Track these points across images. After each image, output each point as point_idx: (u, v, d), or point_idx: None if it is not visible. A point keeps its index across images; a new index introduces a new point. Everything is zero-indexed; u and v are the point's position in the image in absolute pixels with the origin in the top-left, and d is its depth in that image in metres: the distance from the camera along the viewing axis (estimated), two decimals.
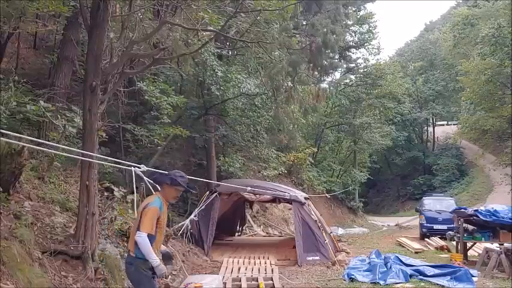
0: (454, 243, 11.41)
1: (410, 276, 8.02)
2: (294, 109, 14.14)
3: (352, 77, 31.23)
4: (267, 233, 16.00)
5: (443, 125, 49.13)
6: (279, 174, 18.61)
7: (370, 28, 30.37)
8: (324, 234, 10.03)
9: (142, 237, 3.62)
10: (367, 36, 30.12)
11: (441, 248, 12.45)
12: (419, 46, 52.58)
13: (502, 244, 9.02)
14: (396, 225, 23.13)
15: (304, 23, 15.35)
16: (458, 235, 10.50)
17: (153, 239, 3.73)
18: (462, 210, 10.55)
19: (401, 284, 7.59)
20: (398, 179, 43.56)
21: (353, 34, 29.61)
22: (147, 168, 3.58)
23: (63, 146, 4.73)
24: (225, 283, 7.14)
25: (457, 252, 10.74)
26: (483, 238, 9.97)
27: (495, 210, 9.53)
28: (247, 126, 13.89)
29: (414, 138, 45.32)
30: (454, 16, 42.12)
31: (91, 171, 5.47)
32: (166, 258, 4.14)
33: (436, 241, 13.36)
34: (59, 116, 7.29)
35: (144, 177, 3.63)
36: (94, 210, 5.46)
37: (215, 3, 8.07)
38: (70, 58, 8.82)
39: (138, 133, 9.71)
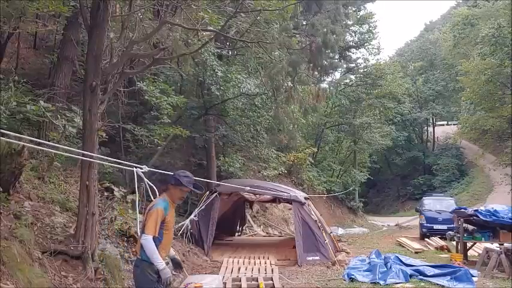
0: (454, 243, 11.41)
1: (410, 276, 8.02)
2: (294, 109, 14.14)
3: (352, 77, 31.23)
4: (267, 233, 16.00)
5: (443, 125, 49.14)
6: (279, 174, 18.61)
7: (370, 28, 30.37)
8: (324, 234, 10.03)
9: (147, 240, 3.57)
10: (367, 36, 30.12)
11: (441, 248, 12.45)
12: (419, 46, 52.57)
13: (502, 244, 9.02)
14: (396, 225, 23.14)
15: (304, 23, 15.35)
16: (458, 235, 10.50)
17: (159, 241, 3.66)
18: (462, 210, 10.55)
19: (401, 284, 7.59)
20: (398, 179, 43.56)
21: (353, 34, 29.61)
22: (149, 168, 3.56)
23: (63, 146, 4.73)
24: (225, 283, 7.14)
25: (457, 252, 10.73)
26: (483, 238, 9.97)
27: (495, 210, 9.53)
28: (247, 126, 13.89)
29: (414, 138, 45.32)
30: (454, 16, 42.12)
31: (91, 171, 5.47)
32: (176, 265, 4.04)
33: (436, 241, 13.36)
34: (59, 116, 7.29)
35: (145, 178, 3.61)
36: (94, 210, 5.46)
37: (215, 3, 8.07)
38: (70, 58, 8.83)
39: (138, 133, 9.71)
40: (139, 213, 7.57)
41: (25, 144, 4.60)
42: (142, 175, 3.57)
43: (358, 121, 28.99)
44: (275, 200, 12.06)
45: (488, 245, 9.64)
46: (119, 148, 10.05)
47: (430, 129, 46.59)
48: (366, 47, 30.25)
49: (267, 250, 10.53)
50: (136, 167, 3.49)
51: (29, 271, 4.31)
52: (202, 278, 5.99)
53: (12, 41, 9.52)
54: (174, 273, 3.88)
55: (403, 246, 13.06)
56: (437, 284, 7.60)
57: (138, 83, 9.49)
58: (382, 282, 7.62)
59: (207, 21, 7.38)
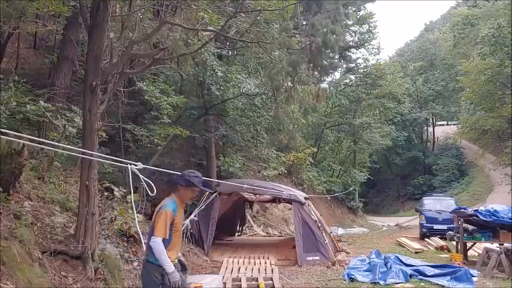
0: (454, 243, 11.41)
1: (410, 276, 8.02)
2: (294, 109, 14.14)
3: (352, 77, 31.23)
4: (267, 233, 16.00)
5: (443, 125, 49.16)
6: (279, 174, 18.60)
7: (370, 28, 30.37)
8: (324, 234, 10.03)
9: (156, 242, 3.53)
10: (367, 36, 30.12)
11: (441, 248, 12.45)
12: (419, 46, 52.59)
13: (502, 244, 9.02)
14: (396, 225, 23.14)
15: (304, 23, 15.35)
16: (458, 235, 10.50)
17: (168, 242, 3.63)
18: (462, 210, 10.55)
19: (401, 284, 7.59)
20: (398, 179, 43.58)
21: (353, 34, 29.62)
22: (143, 166, 3.53)
23: (63, 145, 4.73)
24: (225, 283, 7.14)
25: (457, 252, 10.74)
26: (483, 238, 9.97)
27: (495, 210, 9.53)
28: (247, 126, 13.89)
29: (414, 138, 45.33)
30: (454, 16, 42.13)
31: (91, 171, 5.47)
32: (181, 267, 3.99)
33: (436, 241, 13.36)
34: (59, 116, 7.29)
35: (141, 176, 3.58)
36: (94, 210, 5.46)
37: (215, 3, 8.07)
38: (70, 58, 8.82)
39: (138, 133, 9.71)
40: (138, 213, 7.57)
41: (25, 142, 4.59)
42: (137, 172, 3.54)
43: (358, 121, 28.99)
44: (275, 200, 12.07)
45: (488, 245, 9.64)
46: (119, 148, 10.05)
47: (430, 129, 46.61)
48: (366, 47, 30.28)
49: (267, 250, 10.53)
50: (130, 164, 3.47)
51: (29, 271, 4.31)
52: (202, 278, 6.01)
53: (12, 41, 9.52)
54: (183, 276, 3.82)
55: (403, 246, 13.07)
56: (437, 284, 7.60)
57: (138, 83, 9.49)
58: (382, 282, 7.62)
59: (207, 21, 7.38)
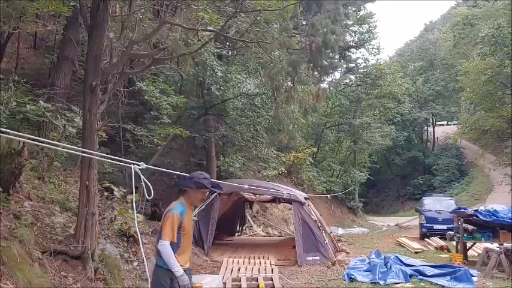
0: (454, 243, 11.41)
1: (410, 276, 8.02)
2: (294, 109, 14.14)
3: (352, 77, 31.23)
4: (267, 233, 16.00)
5: (443, 125, 49.15)
6: (279, 174, 18.60)
7: (370, 28, 30.36)
8: (323, 234, 10.03)
9: (164, 246, 3.48)
10: (367, 36, 30.12)
11: (441, 248, 12.45)
12: (419, 46, 52.60)
13: (502, 244, 9.03)
14: (396, 225, 23.14)
15: (304, 23, 15.35)
16: (458, 235, 10.50)
17: (177, 246, 3.57)
18: (462, 210, 10.55)
19: (401, 284, 7.59)
20: (398, 179, 43.58)
21: (353, 34, 29.61)
22: (146, 165, 3.53)
23: (63, 144, 4.73)
24: (225, 283, 7.14)
25: (457, 252, 10.74)
26: (483, 238, 9.97)
27: (495, 210, 9.54)
28: (247, 126, 13.89)
29: (414, 138, 45.34)
30: (454, 16, 42.11)
31: (91, 171, 5.47)
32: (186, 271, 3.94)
33: (436, 241, 13.36)
34: (59, 116, 7.29)
35: (142, 176, 3.57)
36: (94, 210, 5.46)
37: (215, 3, 8.07)
38: (70, 58, 8.82)
39: (138, 133, 9.71)
40: (138, 213, 7.57)
41: (25, 141, 4.59)
42: (140, 172, 3.53)
43: (358, 121, 28.99)
44: (275, 200, 12.07)
45: (488, 245, 9.64)
46: (118, 148, 10.05)
47: (430, 129, 46.61)
48: (366, 47, 30.27)
49: (267, 250, 10.53)
50: (133, 164, 3.47)
51: (29, 271, 4.31)
52: (202, 278, 6.01)
53: (12, 41, 9.52)
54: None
55: (403, 246, 13.07)
56: (437, 284, 7.60)
57: (138, 83, 9.49)
58: (382, 282, 7.62)
59: (207, 21, 7.38)
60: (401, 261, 8.90)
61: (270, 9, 8.57)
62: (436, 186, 36.51)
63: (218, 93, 11.61)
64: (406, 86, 37.22)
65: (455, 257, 9.95)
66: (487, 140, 34.50)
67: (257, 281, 7.40)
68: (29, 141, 4.51)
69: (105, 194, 7.43)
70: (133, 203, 3.89)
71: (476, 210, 9.98)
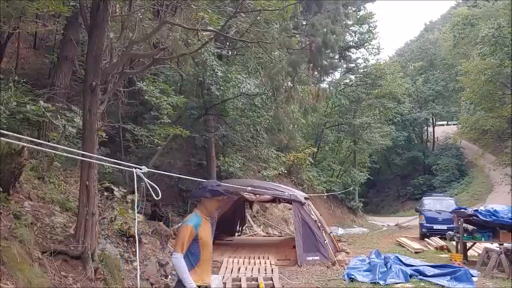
0: (454, 243, 11.41)
1: (410, 276, 8.02)
2: (294, 109, 14.15)
3: (352, 77, 31.23)
4: (267, 233, 16.00)
5: (443, 125, 49.14)
6: (279, 174, 18.60)
7: (370, 28, 30.35)
8: (323, 234, 10.03)
9: (176, 258, 3.40)
10: (367, 36, 30.11)
11: (441, 248, 12.45)
12: (419, 46, 52.58)
13: (502, 244, 9.03)
14: (396, 225, 23.13)
15: (304, 23, 15.35)
16: (458, 235, 10.50)
17: (197, 259, 3.50)
18: (462, 210, 10.56)
19: (401, 284, 7.59)
20: (398, 179, 43.57)
21: (353, 34, 29.61)
22: (148, 169, 3.52)
23: (63, 147, 4.73)
24: (225, 283, 7.14)
25: (457, 252, 10.74)
26: (483, 238, 9.97)
27: (495, 210, 9.54)
28: (247, 126, 13.90)
29: (414, 138, 45.33)
30: (454, 16, 42.11)
31: (91, 171, 5.46)
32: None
33: (436, 241, 13.36)
34: (59, 116, 7.29)
35: (145, 179, 3.56)
36: (94, 210, 5.45)
37: (215, 3, 8.07)
38: (70, 58, 8.82)
39: (138, 133, 9.71)
40: (138, 213, 7.56)
41: (24, 144, 4.59)
42: (142, 175, 3.53)
43: (358, 121, 28.98)
44: (275, 200, 12.06)
45: (488, 245, 9.64)
46: (119, 148, 10.05)
47: (430, 129, 46.60)
48: (366, 47, 30.26)
49: (267, 250, 10.53)
50: (135, 168, 3.46)
51: (29, 271, 4.30)
52: None
53: (12, 41, 9.52)
54: None
55: (403, 246, 13.07)
56: (437, 284, 7.61)
57: (138, 83, 9.49)
58: (382, 282, 7.63)
59: (207, 21, 7.38)
60: (401, 261, 8.90)
61: (270, 9, 8.57)
62: (436, 186, 36.50)
63: (218, 93, 11.62)
64: (406, 86, 37.21)
65: (455, 257, 9.95)
66: (487, 140, 34.50)
67: (257, 281, 7.40)
68: (30, 145, 4.51)
69: (105, 194, 7.43)
70: (135, 207, 3.88)
71: (476, 210, 9.99)
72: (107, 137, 8.32)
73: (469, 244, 10.73)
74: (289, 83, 12.43)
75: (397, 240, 14.17)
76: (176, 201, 13.03)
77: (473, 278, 7.77)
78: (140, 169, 3.52)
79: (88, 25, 5.70)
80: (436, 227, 14.75)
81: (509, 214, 9.37)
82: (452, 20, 41.61)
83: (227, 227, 13.25)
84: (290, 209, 14.05)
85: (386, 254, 9.79)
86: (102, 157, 5.32)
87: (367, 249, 11.81)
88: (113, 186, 7.59)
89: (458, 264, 9.01)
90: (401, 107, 37.04)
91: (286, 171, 20.61)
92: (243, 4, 7.52)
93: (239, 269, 8.34)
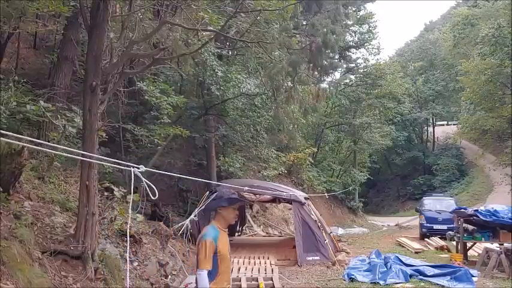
0: (454, 243, 11.41)
1: (410, 276, 8.02)
2: (294, 109, 14.14)
3: (352, 77, 31.22)
4: (267, 233, 15.99)
5: (443, 125, 49.15)
6: (279, 174, 18.60)
7: (370, 28, 30.34)
8: (324, 234, 10.03)
9: (200, 275, 3.36)
10: (367, 36, 30.10)
11: (441, 248, 12.45)
12: (419, 46, 52.59)
13: (502, 244, 9.03)
14: (396, 225, 23.13)
15: (304, 23, 15.34)
16: (458, 235, 10.50)
17: (216, 273, 3.46)
18: (462, 210, 10.56)
19: (401, 284, 7.59)
20: (398, 179, 43.57)
21: (353, 34, 29.59)
22: (146, 168, 3.51)
23: (63, 147, 4.72)
24: None
25: (457, 252, 10.74)
26: (483, 238, 9.97)
27: (495, 210, 9.54)
28: (247, 126, 13.89)
29: (414, 138, 45.33)
30: (454, 16, 42.12)
31: (91, 171, 5.46)
32: None
33: (436, 241, 13.36)
34: (59, 116, 7.29)
35: (143, 178, 3.55)
36: (94, 210, 5.46)
37: (215, 3, 8.07)
38: (70, 58, 8.82)
39: (138, 133, 9.71)
40: (138, 213, 7.56)
41: (24, 144, 4.59)
42: (140, 174, 3.51)
43: (358, 121, 28.98)
44: (275, 200, 12.06)
45: (488, 245, 9.64)
46: (119, 148, 10.05)
47: (430, 129, 46.60)
48: (366, 47, 30.25)
49: (267, 250, 10.53)
50: (133, 167, 3.44)
51: (29, 271, 4.30)
52: None
53: (12, 41, 9.53)
54: None
55: (403, 246, 13.07)
56: (437, 284, 7.60)
57: (138, 83, 9.49)
58: (382, 282, 7.62)
59: (207, 21, 7.38)
60: (401, 261, 8.90)
61: (270, 9, 8.57)
62: (436, 186, 36.50)
63: (218, 93, 11.61)
64: (406, 86, 37.21)
65: (455, 257, 9.95)
66: (487, 140, 34.52)
67: (257, 281, 7.39)
68: (30, 145, 4.51)
69: (105, 194, 7.43)
70: (130, 206, 3.87)
71: (477, 210, 9.99)
72: (107, 137, 8.32)
73: (469, 244, 10.73)
74: (289, 83, 12.43)
75: (397, 240, 14.17)
76: (176, 201, 13.04)
77: (473, 278, 7.77)
78: (138, 168, 3.50)
79: (88, 25, 5.70)
80: (436, 227, 14.75)
81: (509, 214, 9.37)
82: (452, 20, 41.62)
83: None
84: (290, 209, 14.05)
85: (386, 254, 9.79)
86: (100, 156, 5.31)
87: (367, 249, 11.81)
88: (113, 186, 7.59)
89: (459, 264, 9.01)
90: (402, 107, 37.04)
91: (286, 171, 20.61)
92: (243, 4, 7.52)
93: (239, 269, 8.34)
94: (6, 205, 5.06)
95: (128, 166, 3.39)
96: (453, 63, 39.47)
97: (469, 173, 37.85)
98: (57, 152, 5.11)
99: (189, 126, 11.58)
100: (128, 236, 4.18)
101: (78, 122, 7.13)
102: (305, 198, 10.82)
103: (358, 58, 30.34)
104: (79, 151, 5.55)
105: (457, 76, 34.91)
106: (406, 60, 50.11)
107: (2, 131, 2.75)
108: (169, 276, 6.96)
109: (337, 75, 29.65)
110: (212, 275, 3.44)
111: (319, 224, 10.24)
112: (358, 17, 28.95)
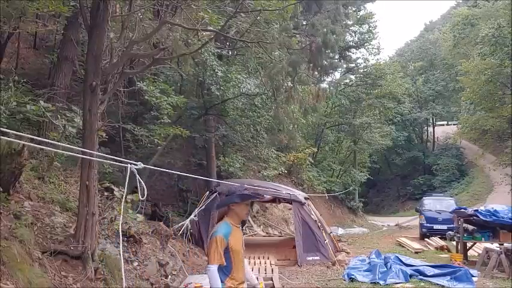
0: (454, 243, 11.41)
1: (410, 276, 8.02)
2: (294, 109, 14.14)
3: (352, 77, 31.21)
4: (267, 233, 15.99)
5: (443, 125, 49.17)
6: (279, 174, 18.59)
7: (370, 28, 30.34)
8: (324, 234, 10.03)
9: (210, 271, 3.39)
10: (367, 36, 30.10)
11: (441, 248, 12.45)
12: (419, 46, 52.60)
13: (502, 244, 9.03)
14: (396, 225, 23.14)
15: (304, 23, 15.33)
16: (458, 235, 10.51)
17: (229, 269, 3.48)
18: (462, 210, 10.56)
19: (401, 284, 7.59)
20: (398, 179, 43.57)
21: (353, 34, 29.58)
22: (144, 165, 3.50)
23: (63, 145, 4.73)
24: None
25: (457, 252, 10.74)
26: (483, 238, 9.98)
27: (495, 210, 9.54)
28: (247, 126, 13.89)
29: (414, 138, 45.34)
30: (454, 16, 42.14)
31: (91, 171, 5.46)
32: None
33: (436, 241, 13.36)
34: (59, 116, 7.29)
35: (137, 176, 3.52)
36: (94, 210, 5.45)
37: (215, 3, 8.07)
38: (70, 58, 8.82)
39: (138, 133, 9.71)
40: (138, 213, 7.55)
41: (25, 143, 4.59)
42: (135, 171, 3.49)
43: (358, 121, 28.98)
44: (275, 200, 12.06)
45: (488, 245, 9.65)
46: (119, 148, 10.05)
47: (430, 129, 46.62)
48: (366, 47, 30.24)
49: (267, 250, 10.52)
50: (130, 164, 3.43)
51: (29, 271, 4.30)
52: (203, 278, 6.00)
53: (12, 41, 9.53)
54: None
55: (403, 246, 13.07)
56: (437, 284, 7.61)
57: (138, 83, 9.49)
58: (382, 282, 7.63)
59: (207, 21, 7.37)
60: (401, 261, 8.90)
61: (270, 9, 8.57)
62: (436, 186, 36.51)
63: (218, 93, 11.61)
64: (406, 86, 37.22)
65: (455, 257, 9.95)
66: (487, 140, 34.52)
67: (257, 280, 7.38)
68: (30, 143, 4.51)
69: (105, 194, 7.43)
70: (123, 203, 3.86)
71: (477, 210, 9.99)
72: (107, 137, 8.31)
73: (469, 244, 10.74)
74: (289, 83, 12.43)
75: (397, 240, 14.17)
76: (176, 201, 13.04)
77: (473, 278, 7.78)
78: (136, 165, 3.49)
79: (88, 25, 5.69)
80: (436, 227, 14.76)
81: (509, 214, 9.37)
82: (452, 20, 41.64)
83: None
84: (290, 209, 14.04)
85: (386, 254, 9.79)
86: (99, 153, 5.30)
87: (367, 249, 11.81)
88: (113, 186, 7.58)
89: (459, 264, 9.01)
90: (402, 107, 37.05)
91: (286, 171, 20.59)
92: (243, 4, 7.52)
93: None
94: (6, 205, 5.06)
95: (125, 163, 3.37)
96: (453, 63, 39.48)
97: (469, 173, 37.86)
98: (57, 150, 5.11)
99: (189, 126, 11.58)
100: (121, 233, 4.13)
101: (78, 122, 7.13)
102: (305, 198, 10.82)
103: (358, 58, 30.38)
104: (79, 148, 5.54)
105: (457, 76, 34.91)
106: (406, 60, 50.12)
107: (2, 129, 2.75)
108: (169, 276, 6.96)
109: (337, 75, 29.68)
110: (227, 270, 3.47)
111: (319, 224, 10.24)
112: (358, 17, 28.95)
